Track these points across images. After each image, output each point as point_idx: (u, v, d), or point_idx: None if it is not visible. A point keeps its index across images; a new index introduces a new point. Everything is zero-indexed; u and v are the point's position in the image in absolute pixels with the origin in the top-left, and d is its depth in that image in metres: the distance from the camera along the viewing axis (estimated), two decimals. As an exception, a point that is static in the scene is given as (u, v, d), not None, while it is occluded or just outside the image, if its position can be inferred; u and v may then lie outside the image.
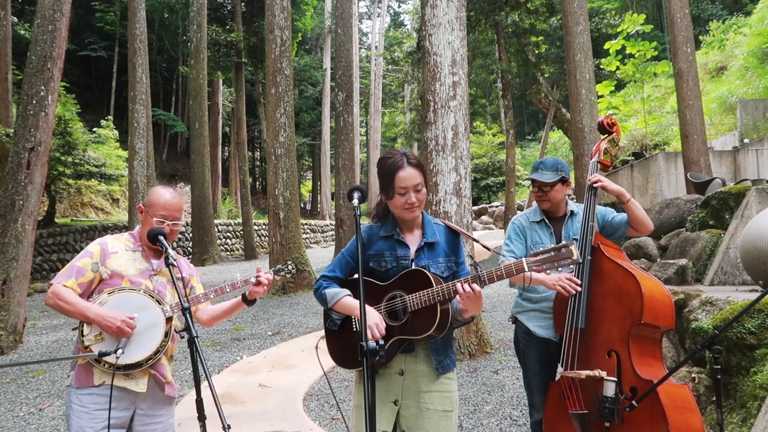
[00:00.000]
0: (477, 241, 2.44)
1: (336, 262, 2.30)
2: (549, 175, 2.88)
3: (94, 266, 2.37)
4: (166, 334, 2.34)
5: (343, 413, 4.43)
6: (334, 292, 2.18)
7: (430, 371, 2.18)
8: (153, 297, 2.36)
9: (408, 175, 2.13)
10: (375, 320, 2.03)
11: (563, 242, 1.97)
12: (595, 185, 2.77)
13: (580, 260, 1.87)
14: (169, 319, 2.35)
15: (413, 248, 2.21)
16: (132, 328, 2.25)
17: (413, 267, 2.16)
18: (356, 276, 2.25)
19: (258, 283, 2.46)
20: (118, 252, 2.42)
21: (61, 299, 2.27)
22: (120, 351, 2.17)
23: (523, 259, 1.96)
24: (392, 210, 2.21)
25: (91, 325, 2.29)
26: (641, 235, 2.95)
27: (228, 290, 2.50)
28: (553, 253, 1.92)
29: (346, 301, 2.15)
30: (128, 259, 2.42)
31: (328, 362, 2.30)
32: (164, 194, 2.43)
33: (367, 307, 2.06)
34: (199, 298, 2.48)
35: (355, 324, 2.20)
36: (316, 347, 2.29)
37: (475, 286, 1.96)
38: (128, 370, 2.27)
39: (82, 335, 2.28)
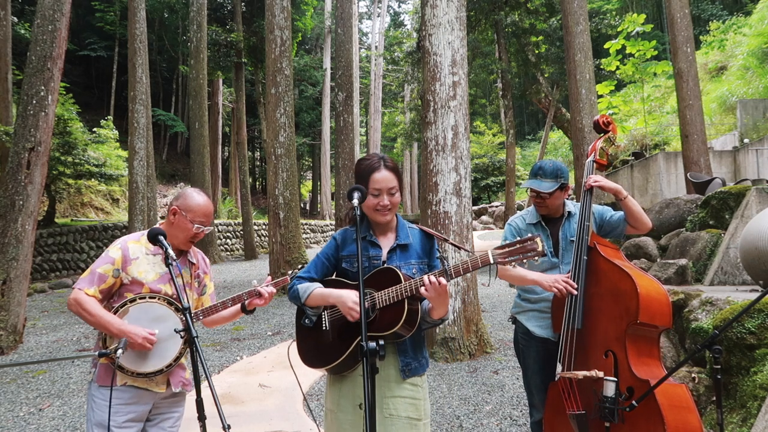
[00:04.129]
0: (446, 240, 2.38)
1: (311, 263, 2.31)
2: (548, 184, 2.83)
3: (115, 272, 2.41)
4: (185, 341, 2.39)
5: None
6: (305, 286, 2.21)
7: (396, 374, 2.14)
8: (172, 304, 2.40)
9: (383, 177, 2.14)
10: (352, 301, 2.04)
11: (529, 234, 1.97)
12: (592, 185, 2.76)
13: (545, 253, 1.87)
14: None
15: (385, 250, 2.22)
16: (152, 343, 2.32)
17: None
18: (331, 277, 2.28)
19: (259, 295, 2.51)
20: (139, 257, 2.45)
21: (84, 309, 2.32)
22: (120, 351, 2.19)
23: (489, 250, 1.94)
24: (365, 211, 2.21)
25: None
26: (640, 233, 2.93)
27: (230, 305, 2.56)
28: (518, 246, 1.92)
29: (317, 292, 2.17)
30: (148, 264, 2.45)
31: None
32: (201, 199, 2.48)
33: (343, 291, 2.10)
34: (209, 312, 2.54)
35: (325, 324, 2.20)
36: (288, 355, 2.27)
37: (442, 279, 1.95)
38: (149, 376, 2.37)
39: (105, 344, 2.36)
